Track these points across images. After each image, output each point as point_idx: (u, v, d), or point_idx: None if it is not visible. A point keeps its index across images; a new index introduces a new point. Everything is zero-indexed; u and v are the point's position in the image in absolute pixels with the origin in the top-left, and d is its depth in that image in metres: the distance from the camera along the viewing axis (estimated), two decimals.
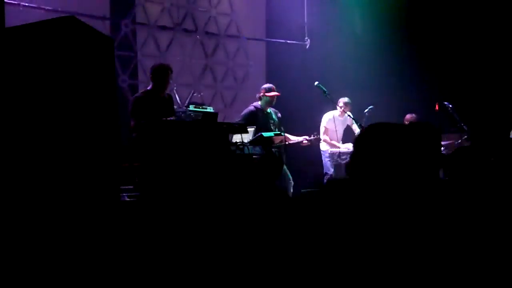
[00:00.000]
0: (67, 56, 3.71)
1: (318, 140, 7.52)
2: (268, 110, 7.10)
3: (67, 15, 4.51)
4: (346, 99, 7.93)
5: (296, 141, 7.16)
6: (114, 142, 3.96)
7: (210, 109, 6.01)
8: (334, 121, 7.92)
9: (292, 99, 8.44)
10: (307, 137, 7.16)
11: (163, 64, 6.13)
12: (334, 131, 7.85)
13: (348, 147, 7.65)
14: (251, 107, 7.02)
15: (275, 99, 7.07)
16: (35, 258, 3.17)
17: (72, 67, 3.73)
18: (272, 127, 6.98)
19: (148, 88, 6.06)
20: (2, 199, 3.34)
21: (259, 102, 7.06)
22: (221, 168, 5.20)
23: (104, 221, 3.57)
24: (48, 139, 3.57)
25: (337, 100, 7.87)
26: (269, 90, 7.04)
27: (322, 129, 7.96)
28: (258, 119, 6.91)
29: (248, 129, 6.28)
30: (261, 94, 7.04)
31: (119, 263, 3.24)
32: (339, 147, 7.78)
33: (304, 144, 7.18)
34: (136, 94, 6.20)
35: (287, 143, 6.81)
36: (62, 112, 3.65)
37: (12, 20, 5.05)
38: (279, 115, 7.21)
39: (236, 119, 7.10)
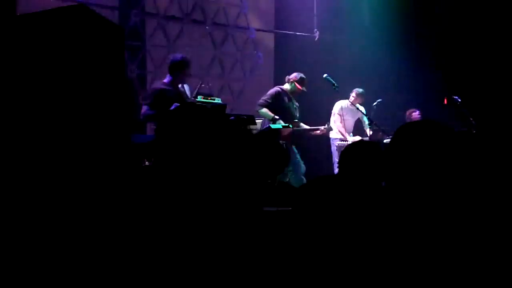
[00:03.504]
0: (77, 44, 3.71)
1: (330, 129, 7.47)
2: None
3: (77, 3, 4.52)
4: (359, 90, 7.82)
5: (310, 128, 7.18)
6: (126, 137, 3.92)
7: (218, 100, 6.01)
8: (342, 110, 7.83)
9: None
10: (321, 128, 7.19)
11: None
12: (343, 120, 7.77)
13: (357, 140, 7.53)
14: (277, 88, 7.03)
15: (300, 93, 7.06)
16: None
17: (82, 56, 3.73)
18: (295, 112, 7.00)
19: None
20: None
21: (286, 86, 7.05)
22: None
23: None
24: (54, 131, 3.55)
25: (350, 91, 7.82)
26: (302, 81, 7.01)
27: (334, 117, 7.85)
28: (284, 100, 6.92)
29: (256, 121, 6.28)
30: (292, 79, 7.01)
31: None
32: (347, 140, 7.58)
33: (315, 134, 7.21)
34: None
35: (300, 128, 6.88)
36: (70, 102, 3.64)
37: (22, 7, 5.08)
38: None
39: (261, 98, 7.01)
